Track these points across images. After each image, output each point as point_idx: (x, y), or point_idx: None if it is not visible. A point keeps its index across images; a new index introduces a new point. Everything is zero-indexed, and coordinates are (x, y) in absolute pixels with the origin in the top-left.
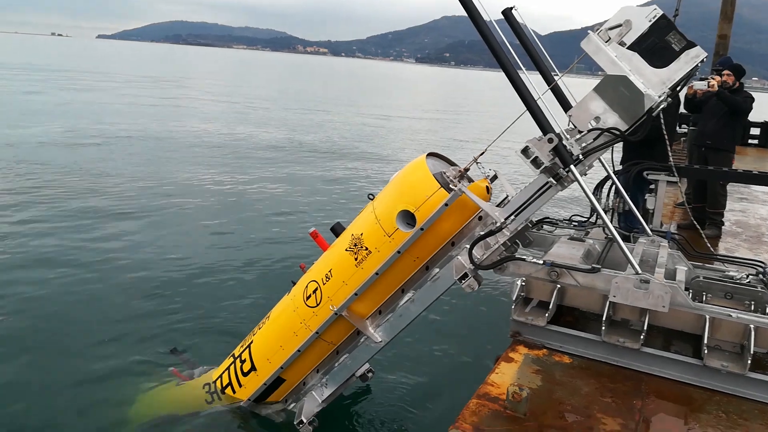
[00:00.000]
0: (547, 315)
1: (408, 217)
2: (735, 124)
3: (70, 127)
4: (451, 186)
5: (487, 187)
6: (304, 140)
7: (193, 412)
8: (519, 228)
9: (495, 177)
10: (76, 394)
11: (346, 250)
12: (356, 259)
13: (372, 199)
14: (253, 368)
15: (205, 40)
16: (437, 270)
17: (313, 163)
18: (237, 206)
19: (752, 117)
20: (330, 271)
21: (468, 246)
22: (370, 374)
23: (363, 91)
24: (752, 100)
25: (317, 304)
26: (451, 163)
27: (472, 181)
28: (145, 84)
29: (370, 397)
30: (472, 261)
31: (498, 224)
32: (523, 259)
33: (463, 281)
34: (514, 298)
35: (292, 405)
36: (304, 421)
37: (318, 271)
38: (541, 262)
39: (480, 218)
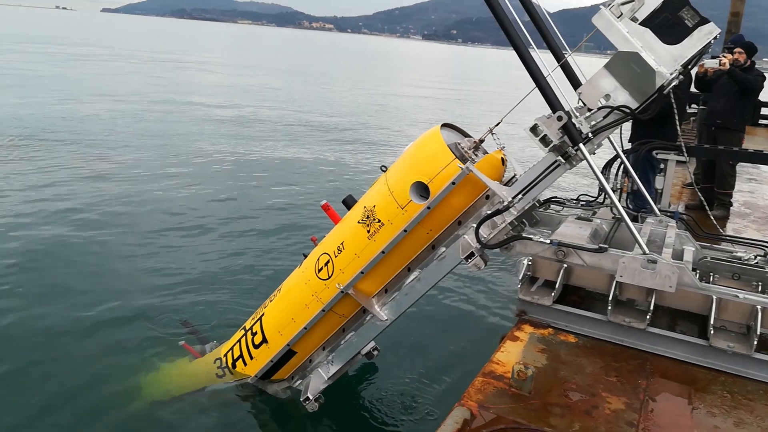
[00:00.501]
0: (553, 294)
1: (422, 189)
2: (746, 103)
3: (75, 101)
4: (465, 157)
5: (502, 158)
6: (313, 115)
7: (202, 389)
8: (526, 207)
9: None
10: (86, 368)
11: (359, 222)
12: (368, 231)
13: (385, 171)
14: (264, 341)
15: (209, 14)
16: (443, 249)
17: (321, 137)
18: (246, 180)
19: (763, 97)
20: (342, 243)
21: (475, 225)
22: (375, 352)
23: (370, 69)
24: (764, 78)
25: (329, 277)
26: (466, 135)
27: (487, 153)
28: (151, 58)
29: (375, 375)
30: (478, 240)
31: (505, 203)
32: (530, 239)
33: (469, 260)
34: (520, 278)
35: (298, 383)
36: (311, 397)
37: (330, 244)
38: (547, 241)
39: (487, 197)
